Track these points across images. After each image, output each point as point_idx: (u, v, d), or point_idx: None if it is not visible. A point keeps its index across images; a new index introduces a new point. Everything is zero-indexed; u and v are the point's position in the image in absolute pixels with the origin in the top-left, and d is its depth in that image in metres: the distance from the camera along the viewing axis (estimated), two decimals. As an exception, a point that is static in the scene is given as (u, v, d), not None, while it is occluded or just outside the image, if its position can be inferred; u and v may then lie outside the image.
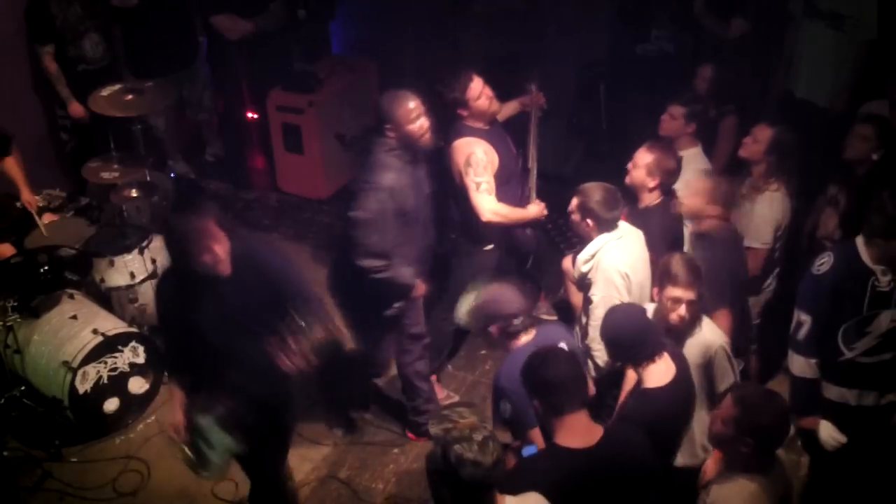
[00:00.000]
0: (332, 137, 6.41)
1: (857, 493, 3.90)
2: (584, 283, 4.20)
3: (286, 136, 6.52)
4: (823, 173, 4.77)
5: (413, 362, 4.65)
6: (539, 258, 5.26)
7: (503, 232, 4.70)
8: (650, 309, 3.77)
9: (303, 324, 3.56)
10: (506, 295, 3.72)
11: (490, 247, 4.74)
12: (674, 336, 3.65)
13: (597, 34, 6.35)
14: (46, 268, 4.84)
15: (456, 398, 5.09)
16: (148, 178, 5.49)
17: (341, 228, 4.72)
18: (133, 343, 4.86)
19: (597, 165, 5.93)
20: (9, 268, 4.85)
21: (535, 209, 4.65)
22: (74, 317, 4.83)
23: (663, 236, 4.31)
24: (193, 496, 4.52)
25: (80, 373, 4.65)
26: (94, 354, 4.70)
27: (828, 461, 3.85)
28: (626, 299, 4.00)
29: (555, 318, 5.52)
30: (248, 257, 3.47)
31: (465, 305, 3.79)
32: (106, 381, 4.78)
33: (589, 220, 4.09)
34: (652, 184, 4.31)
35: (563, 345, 3.56)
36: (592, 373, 4.12)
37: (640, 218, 4.34)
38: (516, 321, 3.64)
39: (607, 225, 4.09)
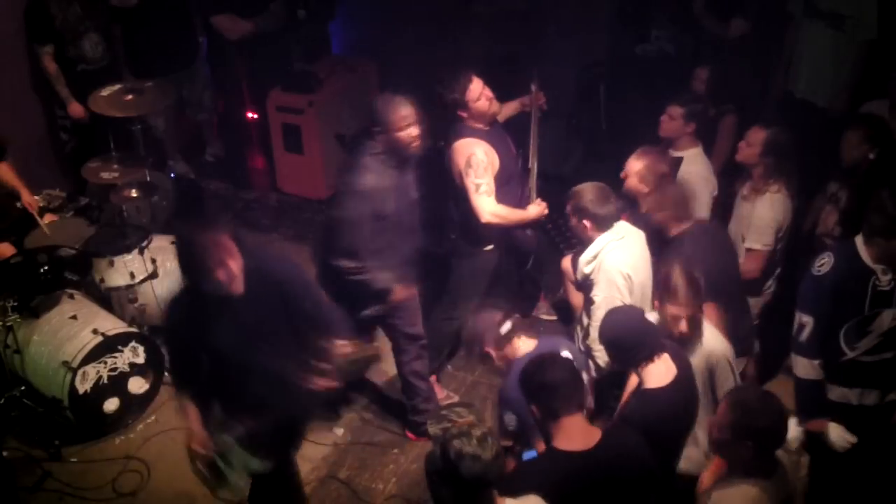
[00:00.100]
0: (331, 137, 6.41)
1: (858, 492, 3.90)
2: (586, 284, 4.20)
3: (286, 136, 6.52)
4: (823, 173, 4.78)
5: (410, 362, 4.65)
6: (539, 258, 5.26)
7: (503, 232, 4.70)
8: (653, 319, 3.77)
9: (323, 340, 3.54)
10: (482, 314, 3.80)
11: (490, 247, 4.74)
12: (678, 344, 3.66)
13: (597, 35, 6.35)
14: (46, 268, 4.83)
15: (455, 398, 5.09)
16: (148, 179, 5.49)
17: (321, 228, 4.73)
18: (133, 343, 4.85)
19: (597, 165, 5.92)
20: (9, 268, 4.84)
21: (535, 210, 4.65)
22: (74, 317, 4.83)
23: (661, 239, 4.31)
24: (193, 496, 4.51)
25: (79, 373, 4.65)
26: (94, 354, 4.70)
27: (829, 461, 3.85)
28: (628, 300, 4.01)
29: (554, 317, 5.53)
30: (261, 272, 3.39)
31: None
32: (106, 381, 4.78)
33: (585, 221, 4.10)
34: (647, 189, 4.32)
35: (565, 353, 3.55)
36: (593, 373, 4.13)
37: (641, 221, 4.35)
38: (504, 327, 3.65)
39: (604, 222, 4.09)
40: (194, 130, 7.08)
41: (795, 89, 5.50)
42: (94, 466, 4.71)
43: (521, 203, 4.70)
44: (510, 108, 4.92)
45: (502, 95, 4.70)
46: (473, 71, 4.55)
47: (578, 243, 4.29)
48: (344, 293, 4.20)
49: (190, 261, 3.30)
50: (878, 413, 3.82)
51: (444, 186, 4.70)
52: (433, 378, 5.05)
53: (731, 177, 4.81)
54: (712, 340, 3.73)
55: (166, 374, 5.09)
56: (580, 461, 3.05)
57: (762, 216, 4.45)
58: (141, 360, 4.90)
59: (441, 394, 5.06)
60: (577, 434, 3.09)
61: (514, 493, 2.83)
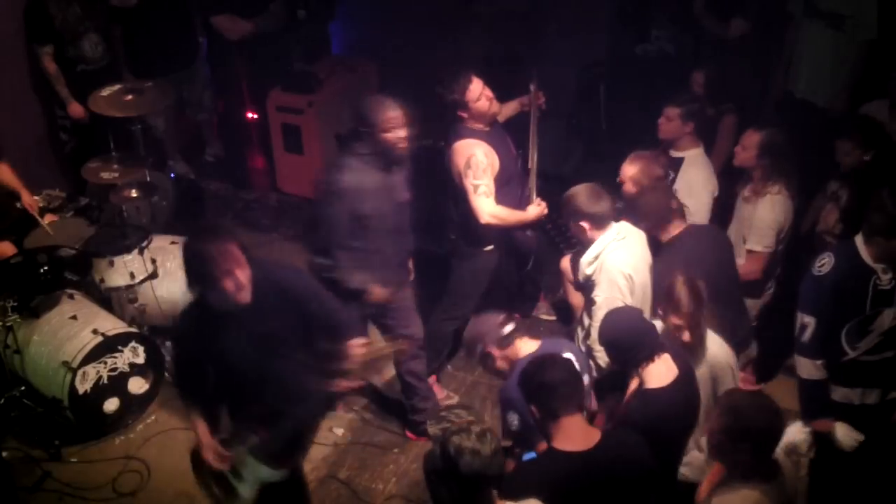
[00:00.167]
0: (331, 138, 6.40)
1: (860, 491, 3.89)
2: (587, 285, 4.20)
3: (286, 137, 6.52)
4: (823, 173, 4.77)
5: (407, 362, 4.65)
6: (539, 259, 5.26)
7: (503, 233, 4.70)
8: (657, 327, 3.77)
9: (337, 342, 3.52)
10: (484, 315, 3.78)
11: (490, 248, 4.74)
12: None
13: (597, 35, 6.35)
14: (46, 268, 4.83)
15: (455, 398, 5.09)
16: (148, 179, 5.49)
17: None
18: (133, 343, 4.85)
19: (597, 165, 5.92)
20: (9, 268, 4.84)
21: (535, 210, 4.64)
22: (74, 317, 4.83)
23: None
24: (193, 496, 4.50)
25: (79, 373, 4.65)
26: (94, 354, 4.70)
27: (830, 460, 3.84)
28: (630, 300, 4.01)
29: (554, 318, 5.53)
30: (268, 280, 3.36)
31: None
32: (106, 382, 4.78)
33: (582, 223, 4.10)
34: None
35: (567, 355, 3.55)
36: (594, 374, 4.13)
37: (640, 224, 4.35)
38: (505, 329, 3.66)
39: (600, 220, 4.09)
40: (194, 130, 7.08)
41: (795, 89, 5.50)
42: (94, 466, 4.71)
43: (521, 203, 4.70)
44: (510, 109, 4.91)
45: (502, 96, 4.69)
46: (473, 71, 4.55)
47: (579, 244, 4.29)
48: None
49: (197, 271, 3.26)
50: (879, 412, 3.82)
51: (444, 187, 4.70)
52: (433, 378, 5.05)
53: (731, 178, 4.81)
54: (716, 349, 3.74)
55: (166, 374, 5.10)
56: (580, 461, 3.04)
57: (763, 218, 4.45)
58: (141, 360, 4.90)
59: (441, 394, 5.06)
60: (576, 434, 3.09)
61: (514, 495, 2.83)
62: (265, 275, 3.34)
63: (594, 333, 4.03)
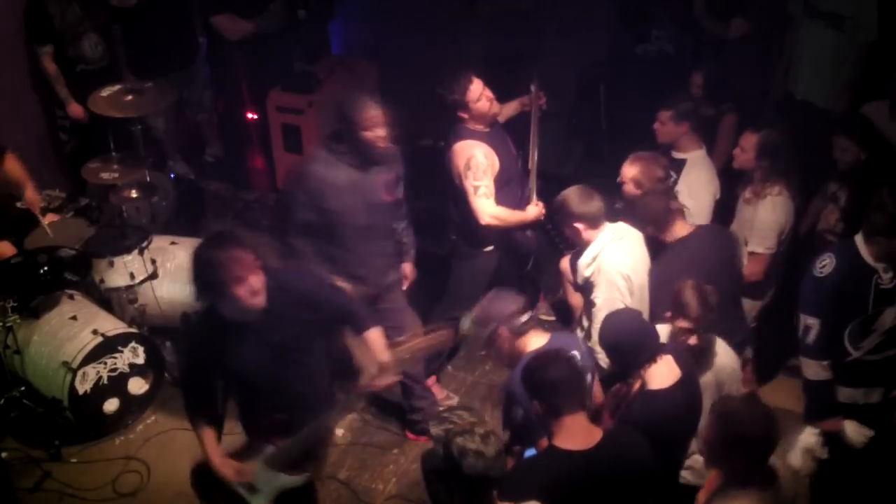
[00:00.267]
0: (331, 138, 6.40)
1: (861, 489, 3.89)
2: (586, 287, 4.20)
3: (286, 137, 6.51)
4: (824, 173, 4.78)
5: None
6: (539, 259, 5.26)
7: (503, 234, 4.69)
8: (664, 330, 3.77)
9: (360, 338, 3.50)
10: (501, 295, 3.72)
11: (490, 248, 4.74)
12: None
13: (597, 34, 6.34)
14: (46, 268, 4.83)
15: (456, 398, 5.09)
16: (148, 179, 5.49)
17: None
18: (133, 343, 4.85)
19: (597, 165, 5.93)
20: (9, 268, 4.84)
21: (535, 211, 4.64)
22: (74, 317, 4.83)
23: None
24: (193, 497, 4.51)
25: (79, 373, 4.65)
26: (94, 355, 4.70)
27: (832, 459, 3.84)
28: (629, 301, 4.01)
29: (553, 318, 5.52)
30: (280, 286, 3.31)
31: (468, 320, 3.74)
32: (106, 382, 4.78)
33: (577, 224, 4.10)
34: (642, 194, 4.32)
35: (574, 353, 3.55)
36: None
37: (640, 225, 4.34)
38: (522, 319, 3.63)
39: (594, 219, 4.09)
40: (194, 130, 7.07)
41: (795, 90, 5.50)
42: (94, 467, 4.71)
43: (521, 204, 4.70)
44: (510, 109, 4.91)
45: (502, 96, 4.69)
46: (473, 72, 4.54)
47: (576, 247, 4.28)
48: None
49: (208, 279, 3.20)
50: (881, 410, 3.82)
51: (444, 187, 4.70)
52: (433, 378, 5.05)
53: (732, 179, 4.81)
54: (722, 355, 3.73)
55: (166, 374, 5.10)
56: (581, 460, 3.04)
57: (764, 219, 4.44)
58: (141, 360, 4.90)
59: (441, 394, 5.06)
60: (578, 433, 3.08)
61: (514, 495, 2.82)
62: (276, 280, 3.29)
63: (594, 335, 4.03)
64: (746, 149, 4.48)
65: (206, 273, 3.20)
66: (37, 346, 4.78)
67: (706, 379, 3.68)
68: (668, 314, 3.74)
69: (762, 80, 5.87)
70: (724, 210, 4.77)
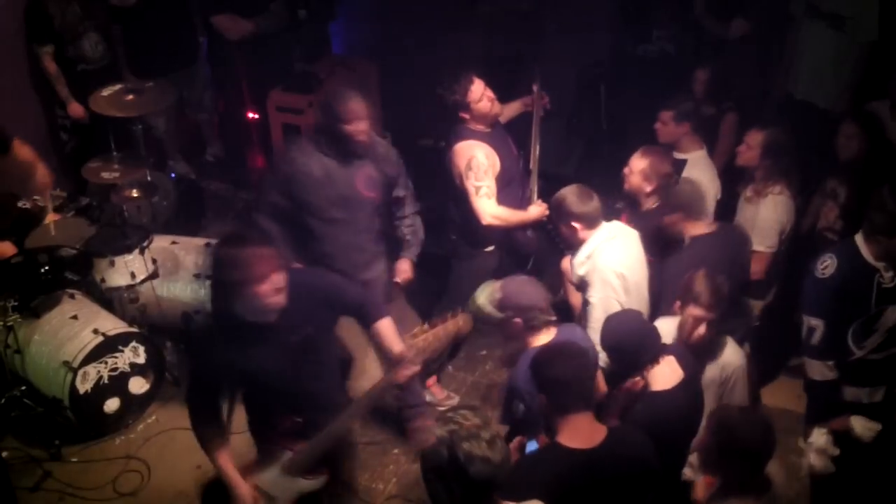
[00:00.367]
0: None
1: (862, 488, 3.89)
2: (581, 286, 4.21)
3: (286, 137, 6.51)
4: (824, 174, 4.78)
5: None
6: (539, 259, 5.26)
7: (503, 234, 4.69)
8: (673, 323, 3.77)
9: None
10: (531, 286, 3.68)
11: (490, 248, 4.74)
12: (695, 353, 3.66)
13: (597, 34, 6.35)
14: (47, 268, 4.83)
15: (456, 398, 5.10)
16: (148, 178, 5.49)
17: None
18: (133, 343, 4.86)
19: (597, 165, 5.93)
20: (9, 268, 4.84)
21: (536, 211, 4.64)
22: (75, 317, 4.83)
23: (663, 239, 4.31)
24: (193, 496, 4.50)
25: (80, 373, 4.65)
26: (95, 354, 4.70)
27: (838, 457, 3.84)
28: (624, 299, 4.01)
29: (554, 318, 5.51)
30: (296, 286, 3.24)
31: (485, 296, 3.69)
32: (106, 381, 4.78)
33: (573, 223, 4.10)
34: (649, 188, 4.32)
35: (587, 349, 3.53)
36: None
37: (640, 221, 4.35)
38: (540, 314, 3.62)
39: (591, 219, 4.09)
40: (194, 130, 7.08)
41: (796, 90, 5.51)
42: (94, 466, 4.71)
43: (523, 204, 4.70)
44: (512, 109, 4.91)
45: (503, 96, 4.69)
46: (475, 72, 4.54)
47: (569, 247, 4.27)
48: None
49: (230, 277, 3.11)
50: (884, 409, 3.83)
51: (444, 187, 4.70)
52: (433, 378, 5.05)
53: (733, 178, 4.81)
54: (730, 352, 3.73)
55: (167, 374, 5.10)
56: (584, 459, 3.02)
57: (766, 218, 4.45)
58: (141, 360, 4.90)
59: (441, 394, 5.06)
60: (583, 431, 3.06)
61: (517, 493, 2.81)
62: (293, 279, 3.24)
63: (592, 335, 4.03)
64: (752, 146, 4.49)
65: (228, 271, 3.13)
66: (37, 346, 4.78)
67: (711, 373, 3.68)
68: (678, 304, 3.73)
69: (762, 80, 5.88)
70: (725, 209, 4.77)
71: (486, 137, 4.53)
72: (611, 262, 4.03)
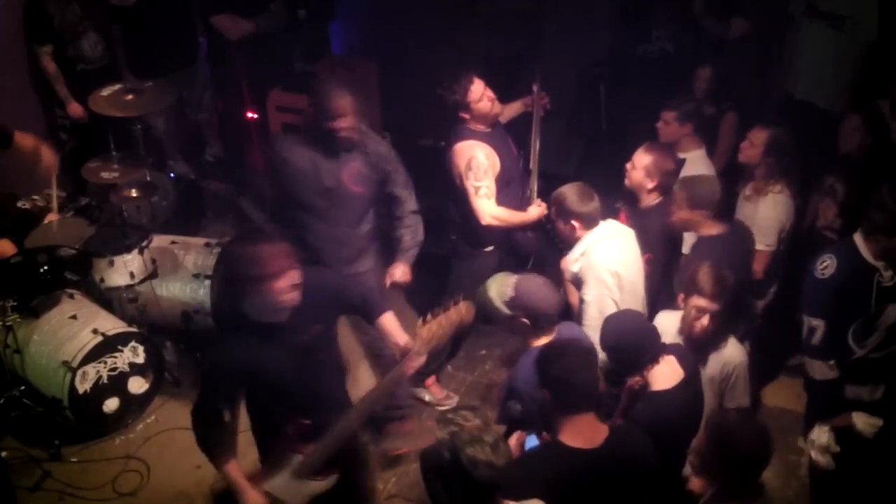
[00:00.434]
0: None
1: (862, 487, 3.89)
2: (575, 284, 4.21)
3: (286, 137, 6.53)
4: (823, 173, 4.78)
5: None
6: (539, 259, 5.26)
7: (503, 234, 4.69)
8: (674, 317, 3.76)
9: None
10: (546, 289, 3.66)
11: (490, 249, 4.74)
12: (697, 347, 3.66)
13: (597, 34, 6.35)
14: (46, 268, 4.83)
15: (456, 398, 5.09)
16: (148, 178, 5.49)
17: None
18: (133, 343, 4.85)
19: (597, 165, 5.93)
20: (9, 268, 4.84)
21: (536, 211, 4.63)
22: (74, 317, 4.83)
23: (662, 236, 4.31)
24: (193, 496, 4.52)
25: (79, 372, 4.65)
26: (94, 354, 4.70)
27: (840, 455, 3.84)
28: (618, 297, 4.01)
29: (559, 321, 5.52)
30: (307, 283, 3.22)
31: (496, 290, 3.68)
32: (106, 381, 4.78)
33: (573, 221, 4.10)
34: (650, 185, 4.32)
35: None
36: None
37: (639, 218, 4.35)
38: (549, 318, 3.61)
39: (590, 220, 4.10)
40: (194, 130, 7.07)
41: (795, 91, 5.51)
42: (94, 466, 4.71)
43: (522, 204, 4.69)
44: (512, 110, 4.91)
45: (503, 96, 4.69)
46: (475, 72, 4.54)
47: (564, 243, 4.27)
48: None
49: (246, 273, 3.09)
50: (883, 406, 3.83)
51: (444, 187, 4.70)
52: (433, 378, 5.05)
53: (732, 177, 4.81)
54: (732, 349, 3.73)
55: (166, 374, 5.10)
56: (586, 458, 3.02)
57: (765, 216, 4.45)
58: (141, 359, 4.90)
59: (441, 394, 5.06)
60: (585, 431, 3.06)
61: (518, 493, 2.81)
62: (311, 282, 3.23)
63: (589, 333, 4.02)
64: (756, 144, 4.48)
65: (244, 268, 3.11)
66: (37, 346, 4.78)
67: (712, 370, 3.67)
68: (681, 296, 3.73)
69: (762, 80, 5.88)
70: (725, 209, 4.76)
71: (486, 137, 4.53)
72: (604, 260, 4.04)
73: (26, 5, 5.81)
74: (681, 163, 4.74)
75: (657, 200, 4.36)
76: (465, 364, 5.35)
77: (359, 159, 4.28)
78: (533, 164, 4.75)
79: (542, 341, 3.57)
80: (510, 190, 4.63)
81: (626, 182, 4.38)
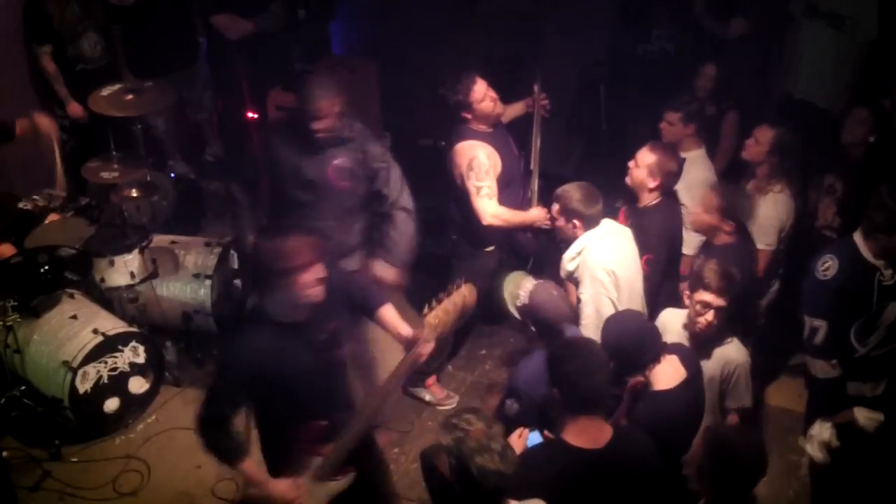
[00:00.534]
0: (331, 138, 6.40)
1: (862, 485, 3.89)
2: (571, 282, 4.21)
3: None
4: (822, 173, 4.78)
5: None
6: (539, 259, 5.26)
7: (504, 234, 4.69)
8: (678, 314, 3.76)
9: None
10: (558, 302, 3.72)
11: (491, 248, 4.74)
12: (700, 343, 3.66)
13: (597, 34, 6.36)
14: (46, 268, 4.83)
15: (456, 398, 5.10)
16: (148, 178, 5.48)
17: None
18: (133, 343, 4.85)
19: (597, 165, 5.93)
20: (9, 268, 4.84)
21: (537, 212, 4.63)
22: (74, 316, 4.83)
23: (662, 236, 4.32)
24: (193, 496, 4.52)
25: (80, 372, 4.65)
26: (95, 354, 4.69)
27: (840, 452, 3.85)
28: (614, 296, 4.01)
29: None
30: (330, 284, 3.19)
31: (510, 293, 3.68)
32: (106, 381, 4.78)
33: (575, 221, 4.11)
34: (652, 184, 4.31)
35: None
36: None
37: (638, 217, 4.35)
38: (557, 329, 3.63)
39: (592, 221, 4.11)
40: (194, 130, 7.07)
41: (795, 90, 5.51)
42: (94, 466, 4.70)
43: (523, 204, 4.70)
44: (514, 110, 4.91)
45: (503, 96, 4.69)
46: (477, 72, 4.54)
47: (562, 240, 4.28)
48: None
49: (275, 266, 3.06)
50: (884, 401, 3.83)
51: (444, 187, 4.70)
52: (433, 378, 5.05)
53: (732, 177, 4.81)
54: (734, 349, 3.73)
55: (167, 374, 5.10)
56: (589, 459, 3.02)
57: (765, 216, 4.45)
58: (141, 359, 4.90)
59: (441, 394, 5.06)
60: (591, 432, 3.05)
61: (520, 492, 2.80)
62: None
63: (586, 332, 4.02)
64: (762, 142, 4.49)
65: (271, 262, 3.08)
66: (37, 346, 4.78)
67: (713, 370, 3.67)
68: (686, 292, 3.73)
69: (762, 80, 5.88)
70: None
71: (487, 138, 4.53)
72: (600, 260, 4.04)
73: (26, 5, 5.80)
74: (681, 163, 4.75)
75: (657, 200, 4.36)
76: (465, 364, 5.35)
77: (346, 155, 4.30)
78: (534, 165, 4.75)
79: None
80: (511, 190, 4.63)
81: (628, 180, 4.37)
